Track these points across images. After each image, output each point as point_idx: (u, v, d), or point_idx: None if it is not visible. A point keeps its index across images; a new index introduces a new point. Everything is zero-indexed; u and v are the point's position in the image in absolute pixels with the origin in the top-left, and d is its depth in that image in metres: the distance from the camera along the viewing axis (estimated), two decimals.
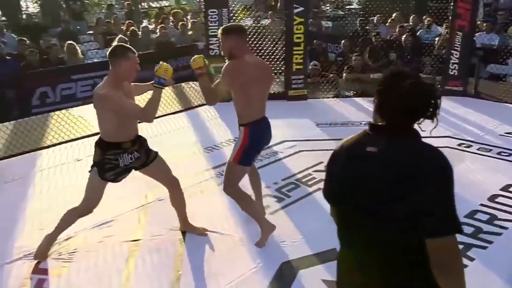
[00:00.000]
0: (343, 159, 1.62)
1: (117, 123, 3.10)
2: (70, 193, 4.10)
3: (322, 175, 4.52)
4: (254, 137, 3.25)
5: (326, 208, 3.86)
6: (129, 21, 9.29)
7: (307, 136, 5.63)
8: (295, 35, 6.70)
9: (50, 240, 3.37)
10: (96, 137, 4.90)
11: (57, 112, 5.96)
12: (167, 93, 6.93)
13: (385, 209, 1.46)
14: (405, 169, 1.44)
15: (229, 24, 3.40)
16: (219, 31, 3.23)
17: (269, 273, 3.15)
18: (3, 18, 11.30)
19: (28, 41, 7.70)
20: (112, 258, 3.36)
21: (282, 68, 7.16)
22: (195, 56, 3.15)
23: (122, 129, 3.15)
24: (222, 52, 3.27)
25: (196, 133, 5.90)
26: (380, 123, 1.56)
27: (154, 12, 11.90)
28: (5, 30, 8.93)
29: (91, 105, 3.22)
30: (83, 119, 5.59)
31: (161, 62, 3.06)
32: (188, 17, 10.53)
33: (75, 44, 7.49)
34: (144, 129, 5.94)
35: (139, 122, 3.32)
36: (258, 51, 7.16)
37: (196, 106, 6.86)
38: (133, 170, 3.35)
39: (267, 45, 7.25)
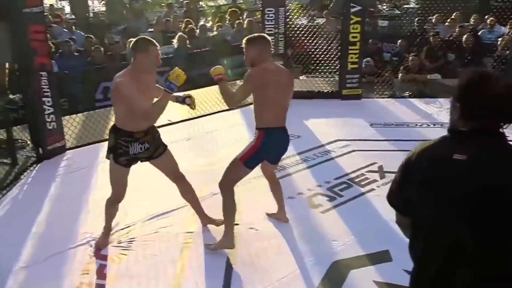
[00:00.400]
0: (425, 166, 1.54)
1: (128, 113, 3.12)
2: (129, 184, 4.27)
3: (375, 176, 4.52)
4: (267, 143, 3.25)
5: (378, 209, 3.86)
6: (187, 19, 9.50)
7: (361, 136, 5.58)
8: (351, 34, 6.64)
9: (105, 231, 3.54)
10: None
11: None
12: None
13: (478, 216, 1.41)
14: (504, 175, 1.38)
15: (254, 34, 3.41)
16: (244, 40, 3.26)
17: (320, 271, 3.16)
18: (72, 17, 11.89)
19: (94, 38, 8.04)
20: (167, 248, 3.46)
21: (337, 67, 7.12)
22: (217, 66, 3.20)
23: (133, 119, 3.17)
24: (245, 61, 3.29)
25: (250, 130, 5.94)
26: (463, 129, 1.48)
27: (211, 11, 12.12)
28: (74, 28, 9.37)
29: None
30: None
31: (175, 68, 3.08)
32: (244, 15, 10.66)
33: None
34: (204, 124, 6.11)
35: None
36: (312, 50, 7.18)
37: (251, 103, 6.88)
38: None
39: (321, 44, 7.25)
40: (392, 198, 1.69)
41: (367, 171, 4.61)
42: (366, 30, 7.11)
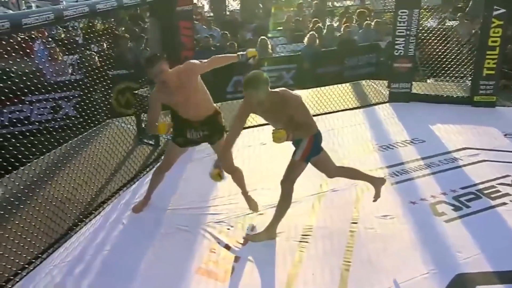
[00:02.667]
0: None
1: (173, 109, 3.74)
2: (253, 172, 4.45)
3: (509, 189, 4.31)
4: (317, 138, 3.51)
5: (511, 225, 3.63)
6: (315, 19, 9.62)
7: (493, 146, 5.24)
8: (491, 38, 6.24)
9: (146, 196, 4.09)
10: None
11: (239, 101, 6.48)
12: (346, 88, 7.02)
13: None
14: None
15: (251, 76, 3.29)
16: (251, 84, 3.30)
17: (443, 281, 3.08)
18: (211, 14, 12.65)
19: (229, 35, 8.48)
20: (286, 238, 3.59)
21: (469, 72, 6.74)
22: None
23: (180, 113, 3.67)
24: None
25: (371, 131, 5.86)
26: None
27: (340, 11, 12.10)
28: (212, 25, 9.96)
29: None
30: None
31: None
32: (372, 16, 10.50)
33: (266, 39, 8.08)
34: (323, 121, 6.16)
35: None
36: (442, 53, 6.88)
37: (374, 104, 6.85)
38: None
39: (453, 48, 6.92)
40: None
41: (498, 184, 4.34)
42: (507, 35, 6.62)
